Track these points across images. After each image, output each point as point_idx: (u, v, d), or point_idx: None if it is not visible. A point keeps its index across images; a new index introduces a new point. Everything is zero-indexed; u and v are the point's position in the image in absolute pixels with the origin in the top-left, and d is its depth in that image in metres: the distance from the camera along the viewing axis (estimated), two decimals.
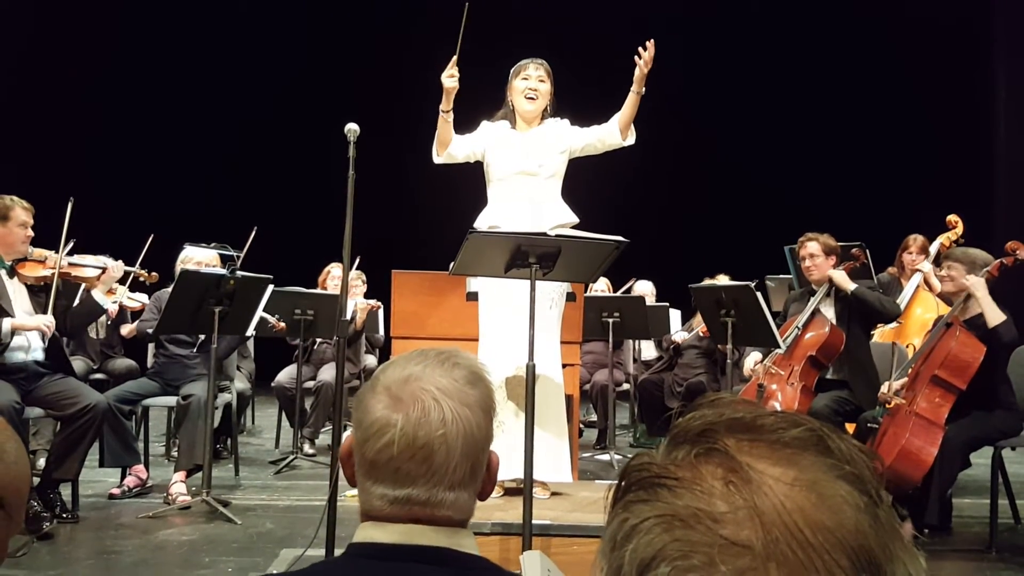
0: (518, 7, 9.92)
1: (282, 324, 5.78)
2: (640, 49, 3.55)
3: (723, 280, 6.11)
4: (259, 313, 4.99)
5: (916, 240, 5.60)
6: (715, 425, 0.57)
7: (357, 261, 6.64)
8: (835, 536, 0.51)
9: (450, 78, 3.53)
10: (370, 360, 7.00)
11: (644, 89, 3.64)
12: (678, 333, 6.54)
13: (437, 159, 3.77)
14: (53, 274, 4.41)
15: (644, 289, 7.12)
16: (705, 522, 0.51)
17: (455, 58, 3.52)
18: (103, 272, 4.63)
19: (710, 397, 0.60)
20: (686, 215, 10.39)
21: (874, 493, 0.53)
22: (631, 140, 3.75)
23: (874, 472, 0.55)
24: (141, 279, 5.13)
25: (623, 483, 0.57)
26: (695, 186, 10.46)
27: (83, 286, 4.78)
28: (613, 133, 3.72)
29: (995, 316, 4.04)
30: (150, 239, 5.72)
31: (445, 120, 3.64)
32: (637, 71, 3.58)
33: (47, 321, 4.28)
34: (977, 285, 4.09)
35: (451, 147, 3.71)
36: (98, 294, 4.64)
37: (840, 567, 0.50)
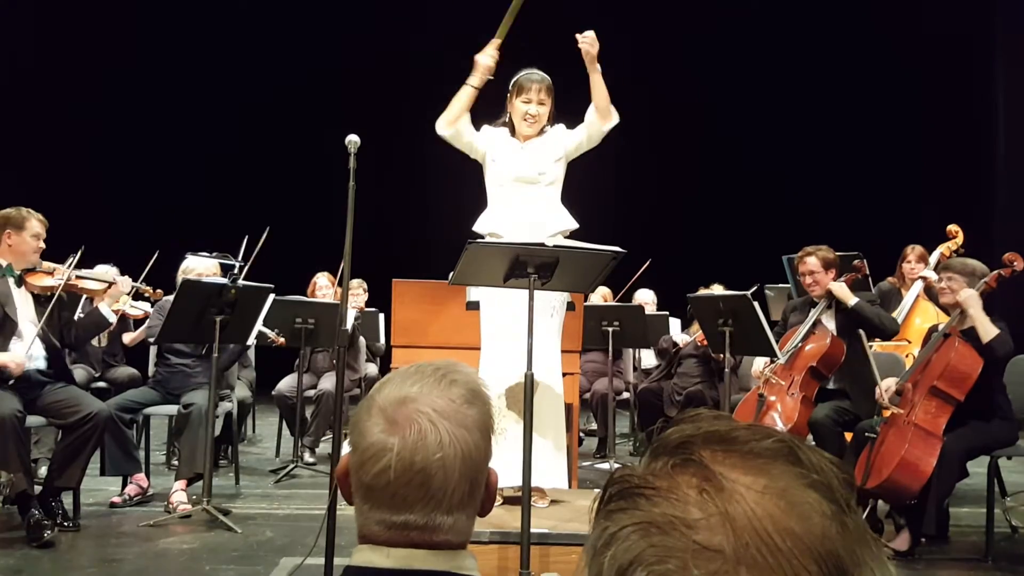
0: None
1: (282, 339, 5.80)
2: (577, 36, 3.59)
3: (718, 290, 6.13)
4: (259, 325, 5.01)
5: (915, 250, 5.63)
6: (692, 438, 0.59)
7: (341, 270, 6.67)
8: (803, 542, 0.53)
9: (486, 56, 3.59)
10: (371, 368, 7.02)
11: (599, 67, 3.62)
12: (681, 335, 6.52)
13: (440, 128, 3.70)
14: (59, 285, 4.44)
15: (645, 298, 7.15)
16: (680, 528, 0.54)
17: (498, 42, 3.55)
18: (109, 286, 4.67)
19: (690, 413, 0.63)
20: (686, 224, 10.41)
21: (842, 501, 0.56)
22: (614, 119, 3.71)
23: (843, 481, 0.57)
24: (146, 295, 5.16)
25: (605, 494, 0.60)
26: (695, 195, 10.49)
27: (84, 297, 4.81)
28: (593, 122, 3.69)
29: (988, 331, 4.02)
30: (155, 256, 5.73)
31: (467, 95, 3.64)
32: (583, 54, 3.60)
33: (17, 360, 4.23)
34: (970, 301, 4.07)
35: (459, 127, 3.68)
36: (103, 306, 4.67)
37: (808, 571, 0.52)
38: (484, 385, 1.16)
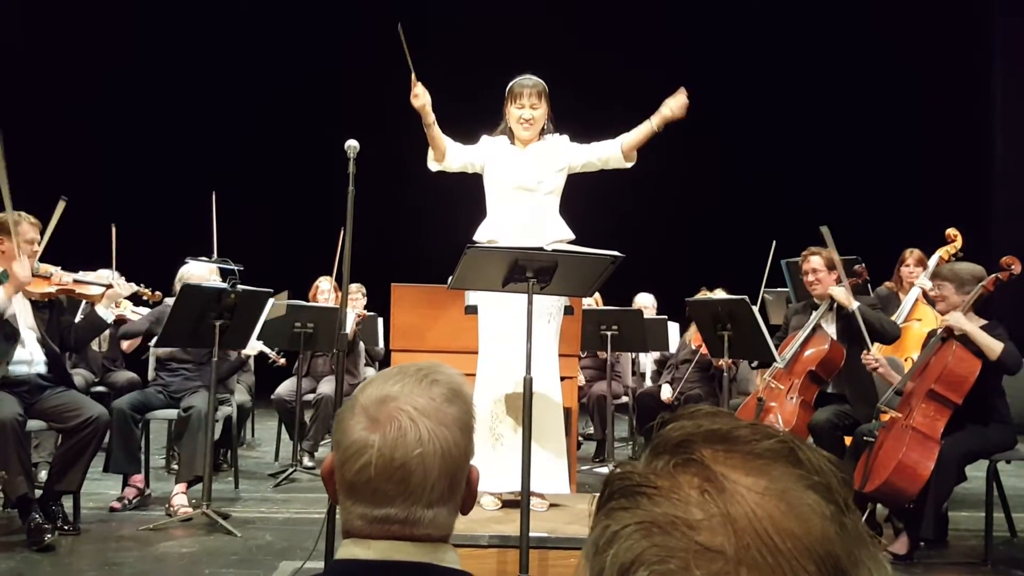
0: (517, 15, 9.99)
1: (282, 359, 5.82)
2: (679, 94, 3.65)
3: (720, 294, 6.13)
4: (258, 332, 5.03)
5: (913, 253, 5.63)
6: (693, 436, 0.60)
7: (334, 273, 6.70)
8: (802, 543, 0.54)
9: (416, 99, 3.59)
10: (370, 373, 7.02)
11: (662, 130, 3.68)
12: (664, 388, 6.44)
13: (433, 167, 3.82)
14: (58, 290, 4.44)
15: (645, 302, 7.16)
16: (681, 528, 0.54)
17: (413, 76, 3.56)
18: (108, 288, 4.66)
19: (689, 409, 0.63)
20: (686, 229, 10.42)
21: (841, 502, 0.56)
22: (632, 163, 3.80)
23: (842, 483, 0.58)
24: (144, 297, 5.17)
25: (606, 491, 0.60)
26: (694, 201, 10.50)
27: (84, 301, 4.81)
28: (616, 155, 3.74)
29: (992, 347, 3.97)
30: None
31: (432, 133, 3.70)
32: (665, 110, 3.65)
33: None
34: (960, 322, 4.02)
35: (448, 158, 3.75)
36: (101, 309, 4.67)
37: (807, 572, 0.53)
38: (466, 385, 1.19)
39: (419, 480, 1.09)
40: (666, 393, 6.27)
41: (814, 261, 4.73)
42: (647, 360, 7.31)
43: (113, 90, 10.05)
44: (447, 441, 1.11)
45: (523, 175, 3.68)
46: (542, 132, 3.78)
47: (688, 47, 10.27)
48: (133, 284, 4.93)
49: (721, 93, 10.34)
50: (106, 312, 4.70)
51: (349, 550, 1.13)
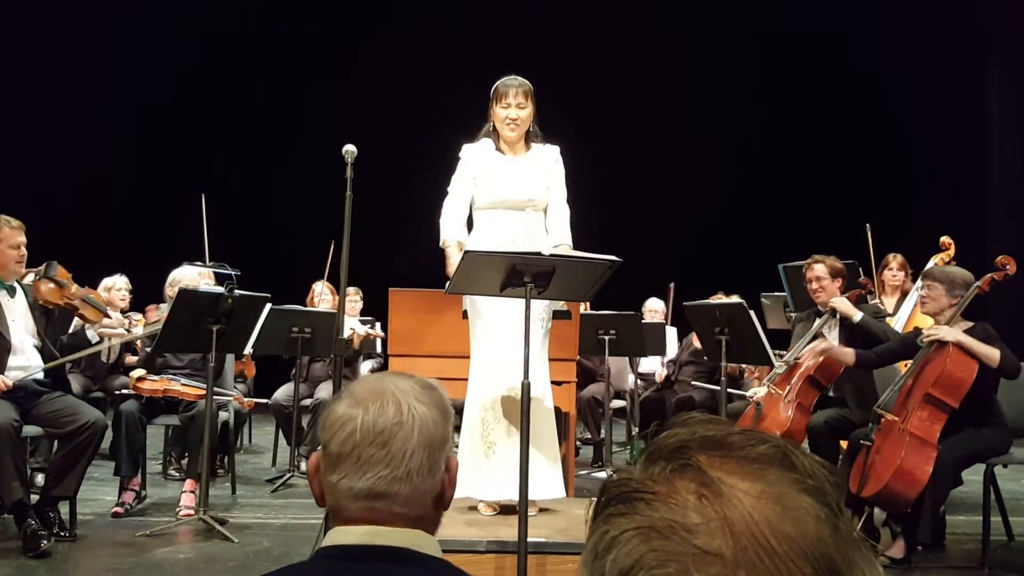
0: (512, 14, 10.02)
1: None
2: None
3: (736, 298, 6.14)
4: (254, 333, 5.04)
5: (896, 258, 5.64)
6: (688, 442, 0.61)
7: (325, 275, 6.71)
8: (798, 545, 0.54)
9: None
10: None
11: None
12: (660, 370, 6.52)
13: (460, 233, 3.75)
14: (65, 303, 4.47)
15: (655, 307, 7.20)
16: (680, 533, 0.55)
17: None
18: (105, 317, 4.67)
19: (683, 416, 0.64)
20: (686, 233, 10.43)
21: (834, 505, 0.57)
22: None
23: (835, 486, 0.59)
24: (135, 346, 5.20)
25: (603, 498, 0.61)
26: (694, 205, 10.51)
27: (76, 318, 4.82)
28: (557, 242, 3.67)
29: (991, 355, 3.94)
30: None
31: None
32: None
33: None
34: (952, 334, 3.99)
35: (463, 223, 3.72)
36: (90, 332, 4.68)
37: (803, 574, 0.54)
38: (440, 385, 1.29)
39: (399, 447, 1.18)
40: (662, 372, 6.35)
41: (818, 269, 4.72)
42: (648, 364, 7.31)
43: (113, 89, 10.06)
44: (425, 416, 1.21)
45: (512, 189, 3.64)
46: (528, 137, 3.75)
47: (688, 47, 10.29)
48: (125, 323, 4.94)
49: (724, 98, 10.38)
50: (93, 335, 4.70)
51: (333, 537, 1.21)
